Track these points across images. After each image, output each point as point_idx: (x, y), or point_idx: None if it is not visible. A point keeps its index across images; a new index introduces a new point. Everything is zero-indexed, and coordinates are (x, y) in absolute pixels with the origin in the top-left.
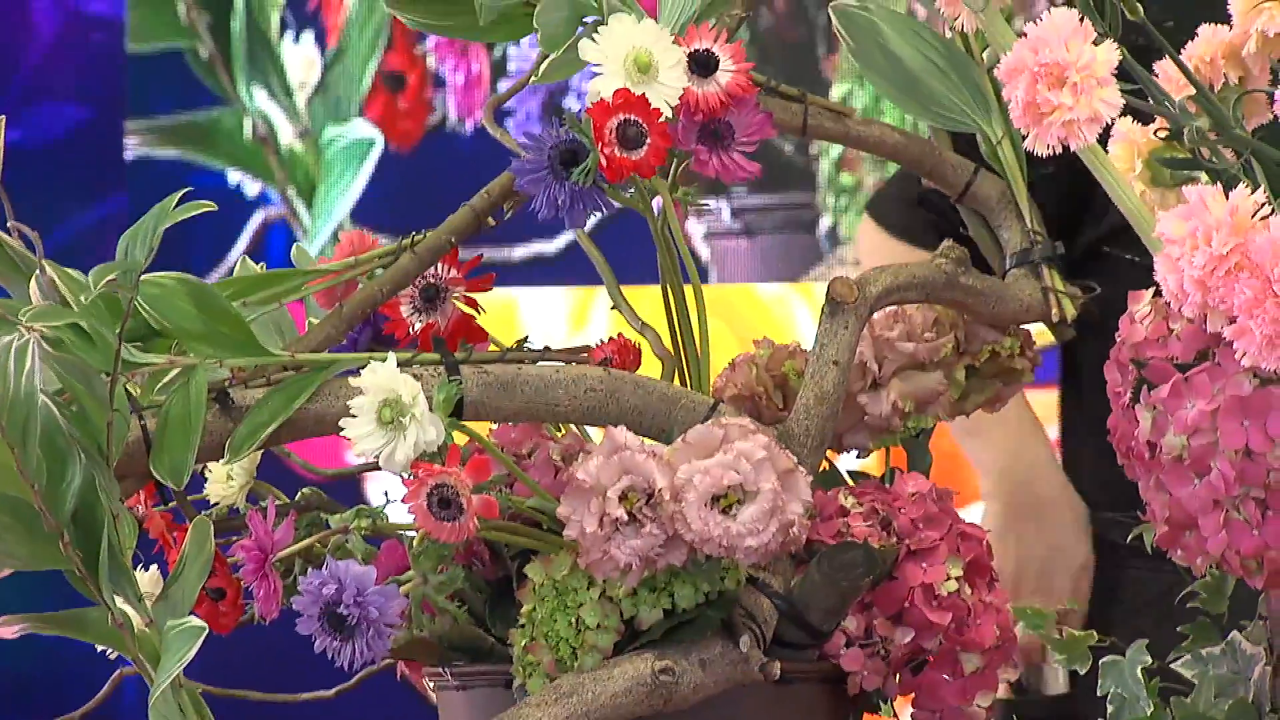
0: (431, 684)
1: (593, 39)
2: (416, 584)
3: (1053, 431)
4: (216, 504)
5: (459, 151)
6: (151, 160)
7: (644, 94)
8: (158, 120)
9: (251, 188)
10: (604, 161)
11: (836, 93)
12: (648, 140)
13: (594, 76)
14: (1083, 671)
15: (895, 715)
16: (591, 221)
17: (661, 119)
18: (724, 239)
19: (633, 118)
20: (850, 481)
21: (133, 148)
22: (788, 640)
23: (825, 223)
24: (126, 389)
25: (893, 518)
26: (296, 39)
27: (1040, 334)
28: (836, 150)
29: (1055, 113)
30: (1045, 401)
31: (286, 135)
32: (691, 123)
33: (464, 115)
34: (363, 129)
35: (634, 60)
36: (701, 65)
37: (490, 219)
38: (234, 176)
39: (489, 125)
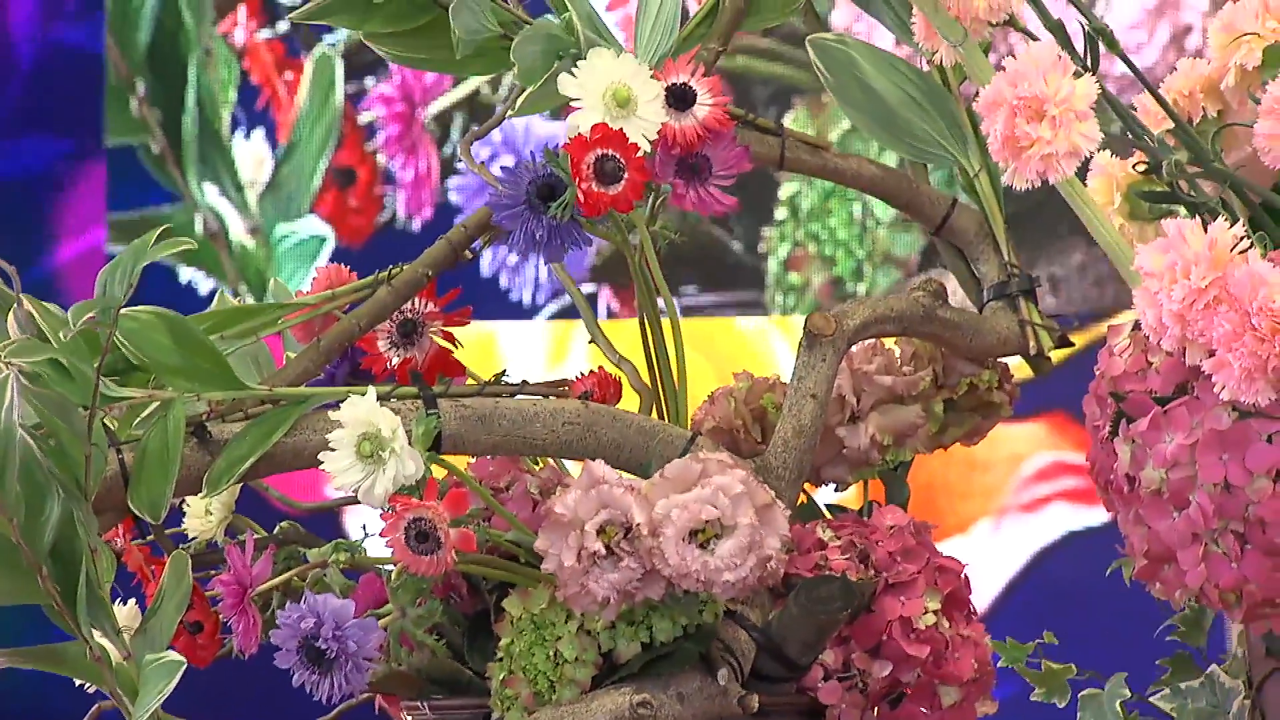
0: (409, 717)
1: (571, 73)
2: (395, 617)
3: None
4: (195, 538)
5: (409, 247)
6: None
7: (622, 128)
8: (111, 215)
9: (204, 284)
10: (581, 196)
11: None
12: (625, 175)
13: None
14: (1061, 705)
15: None
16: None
17: (639, 153)
18: None
19: (610, 152)
20: (828, 515)
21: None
22: (766, 673)
23: None
24: (104, 423)
25: (870, 551)
26: (247, 136)
27: (1018, 367)
28: (785, 249)
29: (1034, 146)
30: (1023, 435)
31: (238, 231)
32: (669, 157)
33: (413, 211)
34: (314, 225)
35: (613, 94)
36: (679, 99)
37: (468, 252)
38: (185, 273)
39: (466, 159)
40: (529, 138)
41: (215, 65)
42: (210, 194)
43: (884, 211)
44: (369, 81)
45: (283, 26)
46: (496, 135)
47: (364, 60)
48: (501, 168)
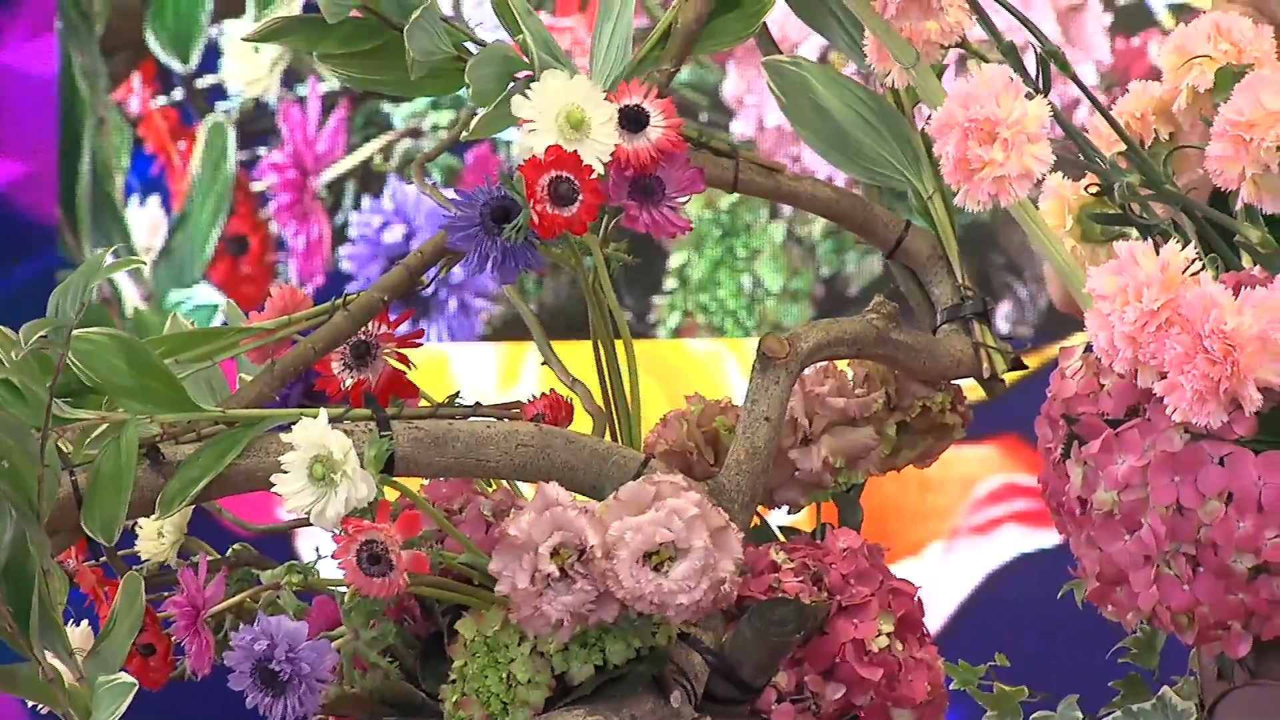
0: None
1: (525, 95)
2: (348, 639)
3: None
4: (148, 560)
5: None
6: None
7: (576, 150)
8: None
9: None
10: (536, 218)
11: None
12: (580, 197)
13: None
14: None
15: None
16: None
17: (593, 175)
18: None
19: (564, 174)
20: (782, 537)
21: None
22: (719, 696)
23: None
24: (58, 445)
25: (824, 573)
26: (142, 203)
27: (971, 389)
28: (675, 319)
29: (986, 169)
30: (976, 457)
31: (132, 299)
32: (622, 179)
33: (305, 279)
34: (206, 293)
35: (567, 116)
36: (632, 121)
37: (423, 278)
38: None
39: (417, 182)
40: (420, 205)
41: (110, 132)
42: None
43: (772, 282)
44: (261, 149)
45: (177, 94)
46: (388, 203)
47: (256, 128)
48: (456, 190)
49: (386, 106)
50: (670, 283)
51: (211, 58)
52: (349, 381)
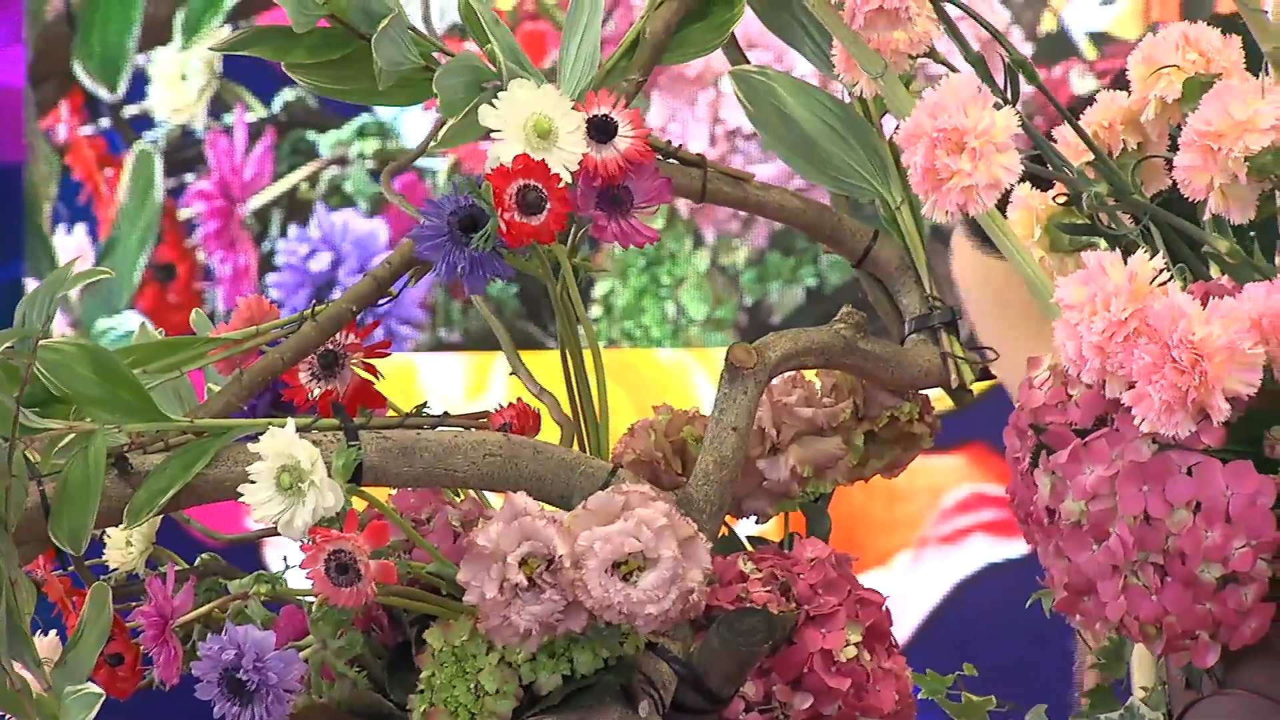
0: None
1: (492, 104)
2: (316, 649)
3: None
4: (115, 569)
5: None
6: None
7: (544, 159)
8: None
9: None
10: (504, 227)
11: None
12: (547, 206)
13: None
14: None
15: None
16: None
17: (561, 184)
18: None
19: (532, 183)
20: (749, 547)
21: None
22: (687, 706)
23: None
24: (25, 455)
25: (792, 583)
26: (69, 230)
27: (939, 399)
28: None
29: (954, 178)
30: (944, 467)
31: (59, 325)
32: (590, 188)
33: (232, 307)
34: (134, 320)
35: (534, 126)
36: (600, 131)
37: (392, 289)
38: None
39: (386, 191)
40: (346, 233)
41: (37, 160)
42: (30, 288)
43: (696, 310)
44: (188, 177)
45: (104, 122)
46: (315, 231)
47: (184, 157)
48: (425, 199)
49: (312, 135)
50: (595, 310)
51: (138, 86)
52: (317, 391)
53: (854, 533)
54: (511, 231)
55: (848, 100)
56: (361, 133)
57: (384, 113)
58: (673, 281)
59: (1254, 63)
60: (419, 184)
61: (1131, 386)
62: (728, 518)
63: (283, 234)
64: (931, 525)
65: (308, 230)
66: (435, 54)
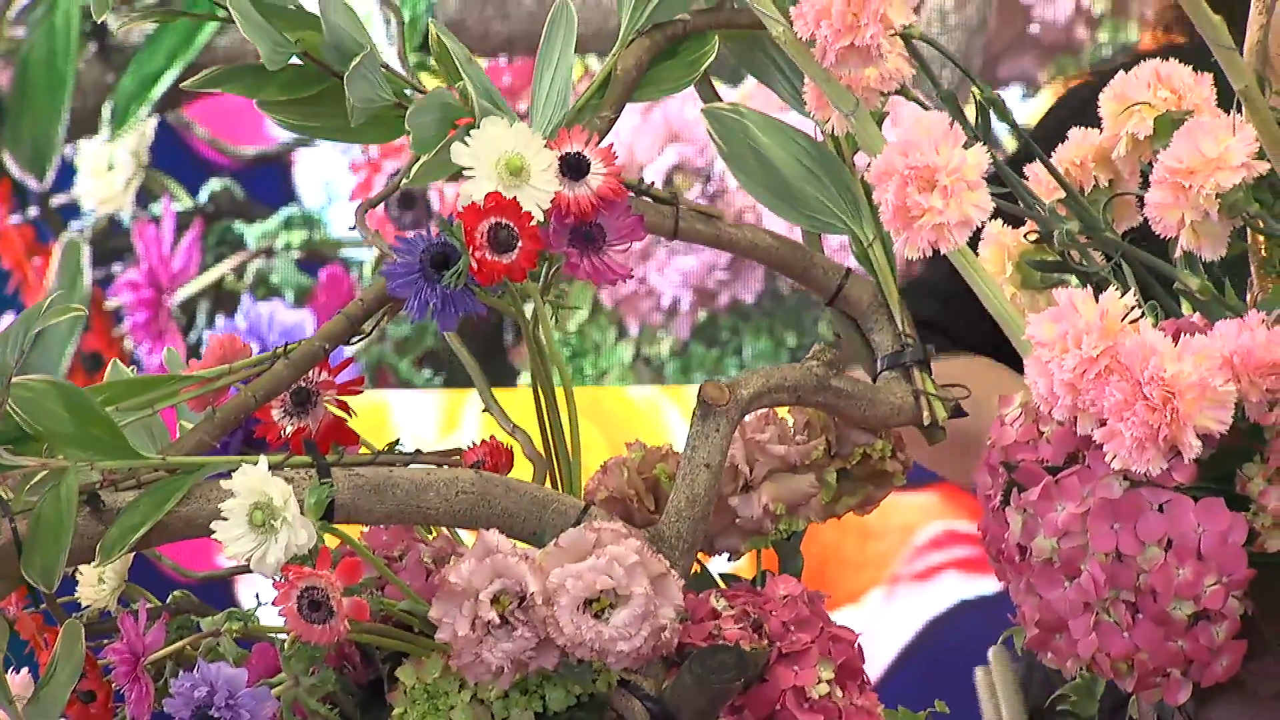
0: None
1: (464, 142)
2: (288, 686)
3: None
4: (88, 607)
5: None
6: None
7: (515, 197)
8: None
9: None
10: (475, 265)
11: None
12: (519, 243)
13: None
14: None
15: None
16: None
17: (533, 222)
18: None
19: (504, 221)
20: (722, 584)
21: None
22: None
23: None
24: None
25: (764, 620)
26: None
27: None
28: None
29: (925, 216)
30: (916, 504)
31: None
32: (563, 226)
33: None
34: None
35: (506, 164)
36: (573, 168)
37: (364, 327)
38: None
39: (360, 227)
40: (273, 324)
41: None
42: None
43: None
44: (117, 267)
45: (32, 212)
46: (242, 321)
47: (111, 247)
48: (396, 236)
49: (239, 226)
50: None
51: (66, 176)
52: (289, 429)
53: (826, 570)
54: (483, 269)
55: (820, 138)
56: (288, 224)
57: (311, 204)
58: (596, 373)
59: (1225, 100)
60: (345, 276)
61: (1103, 424)
62: (700, 555)
63: (209, 324)
64: (904, 562)
65: (235, 321)
66: (408, 91)
